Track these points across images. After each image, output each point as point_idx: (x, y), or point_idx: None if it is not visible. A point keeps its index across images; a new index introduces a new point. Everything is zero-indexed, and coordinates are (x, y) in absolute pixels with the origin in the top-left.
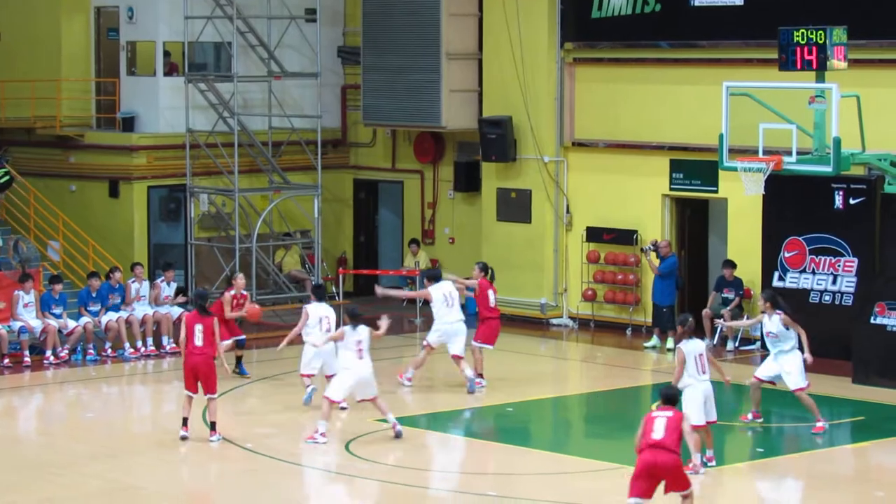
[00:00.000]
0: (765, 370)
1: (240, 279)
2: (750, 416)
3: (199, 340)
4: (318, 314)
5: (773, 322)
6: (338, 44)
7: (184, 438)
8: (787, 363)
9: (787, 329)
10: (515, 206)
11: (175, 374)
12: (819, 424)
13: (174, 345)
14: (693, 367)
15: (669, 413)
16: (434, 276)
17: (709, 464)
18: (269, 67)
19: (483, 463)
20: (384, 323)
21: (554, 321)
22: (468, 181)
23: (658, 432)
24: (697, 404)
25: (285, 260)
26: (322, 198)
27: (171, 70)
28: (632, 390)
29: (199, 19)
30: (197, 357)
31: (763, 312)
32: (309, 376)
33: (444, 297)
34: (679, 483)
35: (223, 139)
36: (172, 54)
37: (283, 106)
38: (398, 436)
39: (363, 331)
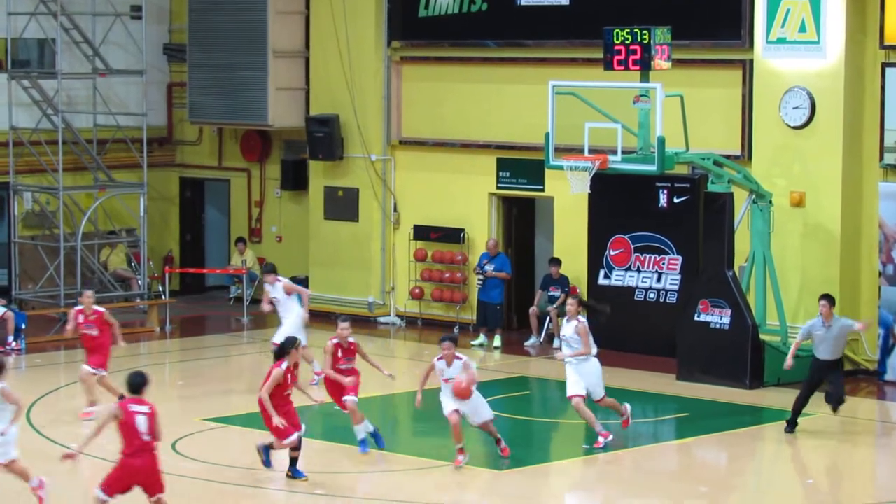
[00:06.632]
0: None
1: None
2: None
3: None
4: None
5: (569, 327)
6: (164, 41)
7: None
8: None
9: (579, 336)
10: (343, 205)
11: None
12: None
13: None
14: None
15: (147, 409)
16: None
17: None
18: (94, 64)
19: (310, 462)
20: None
21: (381, 319)
22: (295, 179)
23: (145, 434)
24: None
25: (111, 258)
26: (148, 196)
27: None
28: None
29: (23, 15)
30: None
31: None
32: None
33: None
34: (158, 485)
35: (47, 137)
36: None
37: (109, 103)
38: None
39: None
